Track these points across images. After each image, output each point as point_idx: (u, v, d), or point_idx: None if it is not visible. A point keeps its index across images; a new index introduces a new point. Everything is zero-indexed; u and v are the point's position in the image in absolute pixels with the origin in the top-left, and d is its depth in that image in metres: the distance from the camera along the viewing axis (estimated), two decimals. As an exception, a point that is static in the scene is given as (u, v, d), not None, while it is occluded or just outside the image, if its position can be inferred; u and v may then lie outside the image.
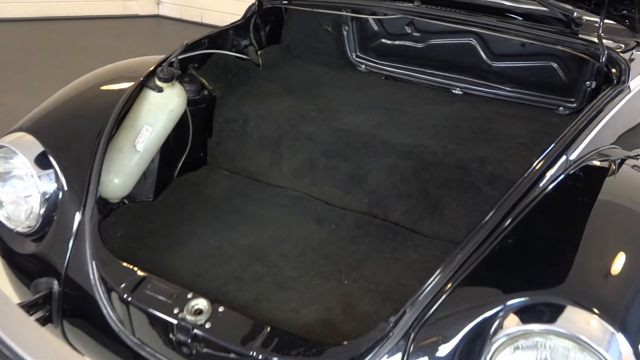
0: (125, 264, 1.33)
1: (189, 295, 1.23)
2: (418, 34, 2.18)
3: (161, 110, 1.67)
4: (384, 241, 1.58)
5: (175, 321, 1.20)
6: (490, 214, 1.16)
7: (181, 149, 1.87)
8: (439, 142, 1.68)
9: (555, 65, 1.95)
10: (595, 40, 1.73)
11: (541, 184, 1.20)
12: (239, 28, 2.18)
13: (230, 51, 2.10)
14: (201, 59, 1.97)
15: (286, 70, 2.24)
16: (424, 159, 1.63)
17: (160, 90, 1.68)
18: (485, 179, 1.56)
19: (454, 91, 2.12)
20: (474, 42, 2.08)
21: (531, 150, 1.61)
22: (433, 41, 2.16)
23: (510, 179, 1.50)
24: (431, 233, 1.61)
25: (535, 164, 1.24)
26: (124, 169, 1.61)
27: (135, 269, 1.31)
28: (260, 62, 2.17)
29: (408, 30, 2.20)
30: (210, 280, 1.40)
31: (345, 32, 2.31)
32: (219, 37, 2.07)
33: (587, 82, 1.84)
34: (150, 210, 1.68)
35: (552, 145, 1.29)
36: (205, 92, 1.93)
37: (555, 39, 1.78)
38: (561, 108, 1.94)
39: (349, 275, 1.44)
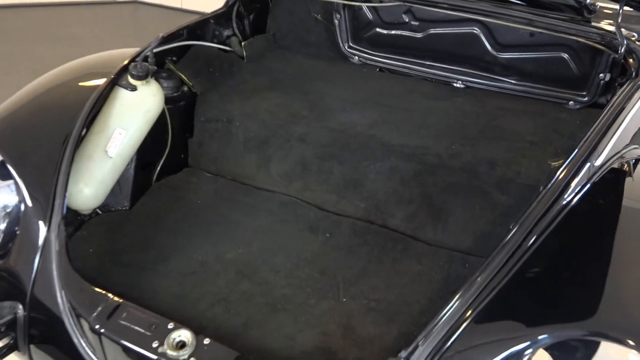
0: (97, 289, 1.21)
1: (170, 326, 1.13)
2: (416, 23, 2.09)
3: (135, 111, 1.55)
4: (384, 250, 1.49)
5: (154, 356, 1.09)
6: (513, 230, 1.06)
7: (159, 151, 1.76)
8: (442, 142, 1.61)
9: (566, 56, 1.86)
10: (610, 28, 1.62)
11: (566, 196, 1.10)
12: (220, 17, 2.07)
13: (212, 42, 2.00)
14: (179, 52, 1.86)
15: (273, 62, 2.14)
16: (427, 161, 1.56)
17: (133, 88, 1.55)
18: (495, 183, 1.48)
19: (454, 84, 2.04)
20: (477, 31, 1.98)
21: (543, 151, 1.55)
22: (433, 30, 2.06)
23: (521, 183, 1.45)
24: (435, 241, 1.53)
25: (559, 172, 1.14)
26: (95, 178, 1.49)
27: (109, 295, 1.20)
28: (245, 54, 2.08)
29: (406, 18, 2.10)
30: (194, 303, 1.31)
31: (336, 21, 2.20)
32: (199, 27, 1.96)
33: (601, 75, 1.77)
34: (127, 221, 1.57)
35: (576, 150, 1.20)
36: (185, 89, 1.82)
37: (567, 27, 1.68)
38: (571, 102, 1.87)
39: (347, 292, 1.35)
